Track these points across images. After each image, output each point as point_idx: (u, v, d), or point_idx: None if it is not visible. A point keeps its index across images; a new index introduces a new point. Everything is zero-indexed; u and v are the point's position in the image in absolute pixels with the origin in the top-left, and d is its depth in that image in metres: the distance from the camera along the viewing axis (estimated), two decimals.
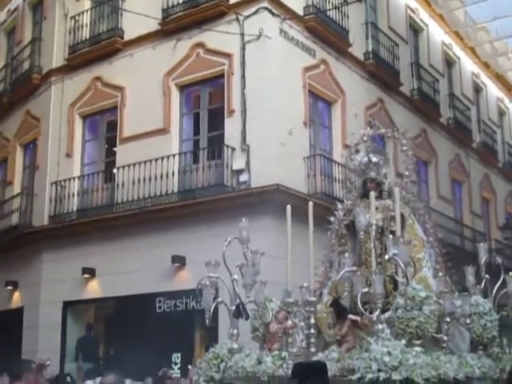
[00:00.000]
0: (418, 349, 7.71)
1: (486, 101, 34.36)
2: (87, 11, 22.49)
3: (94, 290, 20.33)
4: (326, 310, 9.54)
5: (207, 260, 9.17)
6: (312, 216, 9.08)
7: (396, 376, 7.24)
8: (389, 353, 7.37)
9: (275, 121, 18.36)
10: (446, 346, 8.64)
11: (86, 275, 20.14)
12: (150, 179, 19.22)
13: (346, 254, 9.81)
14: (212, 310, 9.08)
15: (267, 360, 8.31)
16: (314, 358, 8.10)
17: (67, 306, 20.87)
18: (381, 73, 23.25)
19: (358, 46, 22.36)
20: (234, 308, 9.06)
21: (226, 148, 18.47)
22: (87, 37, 22.17)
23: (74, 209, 21.05)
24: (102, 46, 21.64)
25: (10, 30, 27.35)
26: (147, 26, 20.43)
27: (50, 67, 23.02)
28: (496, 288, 9.96)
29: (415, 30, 27.95)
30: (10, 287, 22.31)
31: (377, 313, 8.02)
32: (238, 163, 18.26)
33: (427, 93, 26.71)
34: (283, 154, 18.11)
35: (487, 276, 10.04)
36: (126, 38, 21.33)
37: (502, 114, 36.73)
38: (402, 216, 9.54)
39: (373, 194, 9.08)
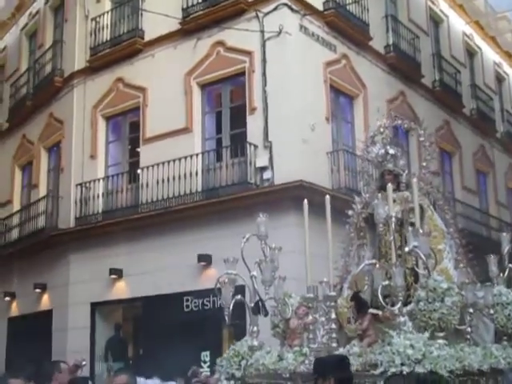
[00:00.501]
0: (441, 341, 7.57)
1: (508, 90, 34.10)
2: (108, 12, 22.57)
3: (121, 290, 20.42)
4: (346, 304, 9.38)
5: (231, 257, 9.10)
6: (329, 209, 8.95)
7: (420, 369, 7.08)
8: (412, 346, 7.22)
9: (297, 117, 18.34)
10: (470, 338, 8.50)
11: (114, 276, 20.23)
12: (173, 179, 19.26)
13: (365, 247, 9.72)
14: (231, 307, 9.01)
15: (288, 356, 8.17)
16: (336, 353, 8.01)
17: (95, 307, 20.96)
18: (402, 65, 23.15)
19: (379, 40, 22.28)
20: (252, 305, 9.00)
21: (248, 145, 18.49)
22: (108, 38, 22.24)
23: (100, 210, 21.15)
24: (123, 47, 21.70)
25: (32, 34, 27.52)
26: (167, 26, 20.46)
27: (72, 69, 23.14)
28: None
29: (435, 21, 27.79)
30: (38, 290, 22.44)
31: (398, 305, 7.89)
32: (261, 160, 18.27)
33: (449, 84, 26.55)
34: (306, 150, 18.10)
35: (510, 265, 9.92)
36: (147, 38, 21.38)
37: None
38: (421, 207, 9.40)
39: (390, 186, 8.88)
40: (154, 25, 20.91)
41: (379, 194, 9.82)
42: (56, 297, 21.79)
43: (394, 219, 8.73)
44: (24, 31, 27.95)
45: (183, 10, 20.33)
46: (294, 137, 18.15)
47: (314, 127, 18.51)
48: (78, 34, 23.20)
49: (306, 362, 8.00)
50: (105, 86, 22.12)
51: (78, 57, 23.02)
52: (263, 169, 18.25)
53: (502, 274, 9.76)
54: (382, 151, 10.34)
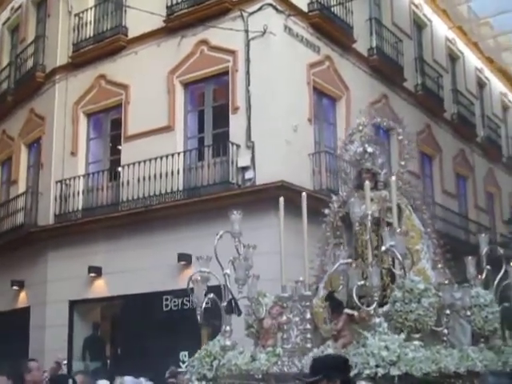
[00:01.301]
0: (416, 343, 7.48)
1: (489, 96, 34.34)
2: (91, 8, 22.42)
3: (100, 288, 20.29)
4: (321, 304, 9.24)
5: (204, 255, 8.91)
6: (305, 206, 8.84)
7: (395, 371, 7.02)
8: (386, 347, 7.15)
9: (280, 117, 18.30)
10: (447, 340, 8.45)
11: (92, 274, 20.10)
12: (155, 177, 19.18)
13: (342, 247, 9.62)
14: (204, 306, 8.81)
15: (261, 357, 8.03)
16: (310, 354, 7.82)
17: (74, 305, 20.81)
18: (385, 69, 23.21)
19: (362, 42, 22.33)
20: (225, 304, 8.83)
21: (230, 145, 18.44)
22: (91, 34, 22.11)
23: (79, 207, 21.01)
24: (106, 44, 21.57)
25: (14, 28, 27.26)
26: (151, 24, 20.36)
27: (54, 65, 22.96)
28: (498, 279, 9.78)
29: (419, 25, 27.91)
30: (16, 287, 22.24)
31: (374, 306, 7.81)
32: (243, 160, 18.23)
33: (431, 88, 26.69)
34: (288, 151, 18.07)
35: (488, 267, 9.85)
36: (130, 35, 21.28)
37: (505, 108, 36.74)
38: (399, 207, 9.29)
39: (368, 184, 8.79)
40: (137, 22, 20.80)
41: (356, 193, 9.72)
42: (34, 294, 21.61)
43: (370, 218, 8.65)
44: (6, 25, 27.66)
45: (167, 7, 20.25)
46: (277, 137, 18.11)
47: (296, 128, 18.49)
48: (60, 30, 23.00)
49: (279, 362, 7.89)
50: (87, 82, 21.97)
51: (60, 52, 22.83)
52: (245, 169, 18.21)
53: (479, 276, 9.71)
54: (360, 149, 10.17)
